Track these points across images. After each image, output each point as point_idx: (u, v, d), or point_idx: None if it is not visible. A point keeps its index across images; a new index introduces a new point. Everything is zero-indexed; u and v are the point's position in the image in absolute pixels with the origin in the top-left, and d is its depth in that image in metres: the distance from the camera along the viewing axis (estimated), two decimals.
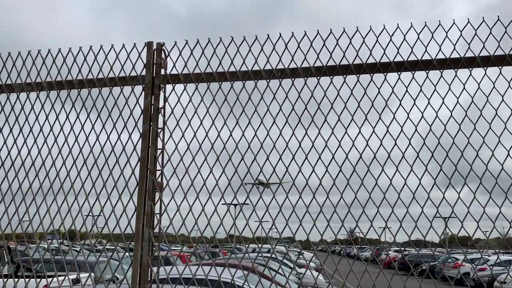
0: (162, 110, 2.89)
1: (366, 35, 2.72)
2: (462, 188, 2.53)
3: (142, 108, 2.86)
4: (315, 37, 2.78)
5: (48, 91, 3.06)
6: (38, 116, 3.03)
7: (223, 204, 2.79)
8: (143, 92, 2.89)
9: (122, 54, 2.99)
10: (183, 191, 2.75)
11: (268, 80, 2.82)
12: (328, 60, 2.76)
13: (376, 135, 2.64)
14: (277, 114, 2.78)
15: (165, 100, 2.91)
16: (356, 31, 2.74)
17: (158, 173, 2.80)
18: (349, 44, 2.74)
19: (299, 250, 2.77)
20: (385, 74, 2.71)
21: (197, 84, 2.90)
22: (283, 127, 2.75)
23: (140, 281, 2.64)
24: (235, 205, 2.97)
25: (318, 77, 2.75)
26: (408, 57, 2.69)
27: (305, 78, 2.77)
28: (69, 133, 2.96)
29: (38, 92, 3.07)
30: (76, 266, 2.84)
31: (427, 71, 2.66)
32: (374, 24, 2.74)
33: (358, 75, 2.73)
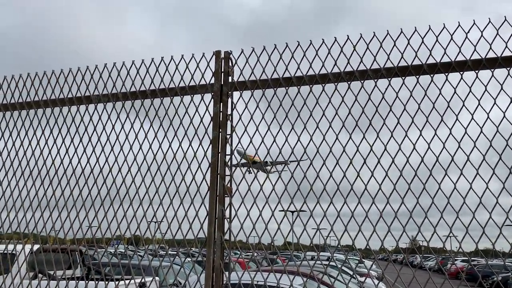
0: (230, 116, 2.96)
1: (425, 35, 2.63)
2: None
3: (211, 116, 2.94)
4: (394, 37, 2.73)
5: (124, 102, 3.22)
6: (114, 126, 3.18)
7: (281, 210, 2.79)
8: (212, 100, 2.98)
9: (183, 64, 3.10)
10: (253, 196, 2.77)
11: (336, 84, 2.81)
12: (399, 61, 2.70)
13: (439, 138, 2.53)
14: (332, 118, 2.75)
15: (233, 107, 2.97)
16: (414, 31, 2.66)
17: (227, 179, 2.85)
18: (407, 45, 2.67)
19: (358, 259, 2.71)
20: (447, 74, 2.60)
21: (263, 90, 2.94)
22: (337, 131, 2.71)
23: (213, 285, 2.69)
24: (292, 212, 2.97)
25: (389, 78, 2.69)
26: (471, 56, 2.57)
27: (375, 80, 2.72)
28: (143, 141, 3.08)
29: (114, 102, 3.24)
30: (142, 270, 2.97)
31: (492, 70, 2.52)
32: (439, 26, 2.64)
33: (417, 77, 2.65)
